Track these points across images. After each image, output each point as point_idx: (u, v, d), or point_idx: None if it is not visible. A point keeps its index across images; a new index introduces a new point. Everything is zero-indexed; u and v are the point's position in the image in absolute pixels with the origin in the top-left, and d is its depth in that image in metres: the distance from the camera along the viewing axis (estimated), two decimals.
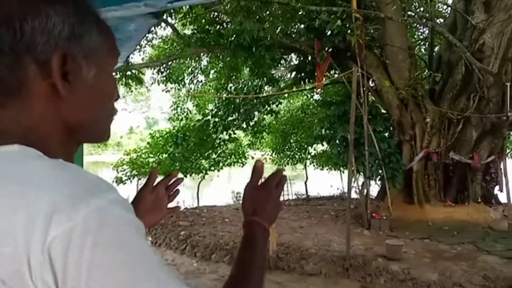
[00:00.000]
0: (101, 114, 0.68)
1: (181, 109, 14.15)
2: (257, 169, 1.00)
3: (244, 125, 11.90)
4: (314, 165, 17.89)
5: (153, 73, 13.78)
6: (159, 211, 1.09)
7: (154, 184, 1.10)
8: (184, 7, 9.82)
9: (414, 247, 7.55)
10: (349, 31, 8.67)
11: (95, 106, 0.66)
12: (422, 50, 14.25)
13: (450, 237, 8.14)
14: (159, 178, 1.19)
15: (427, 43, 12.92)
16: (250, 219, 0.92)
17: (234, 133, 12.72)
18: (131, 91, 15.37)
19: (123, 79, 10.17)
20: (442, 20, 12.53)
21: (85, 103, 0.64)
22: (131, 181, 13.46)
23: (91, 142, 0.75)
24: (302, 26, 10.76)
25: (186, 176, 13.61)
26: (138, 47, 11.98)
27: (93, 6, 0.66)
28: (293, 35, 11.36)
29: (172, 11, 9.71)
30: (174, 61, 12.47)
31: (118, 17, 1.77)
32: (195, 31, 10.86)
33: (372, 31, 9.14)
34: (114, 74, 0.74)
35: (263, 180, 1.01)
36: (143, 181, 14.10)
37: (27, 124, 0.59)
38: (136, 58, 12.99)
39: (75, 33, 0.60)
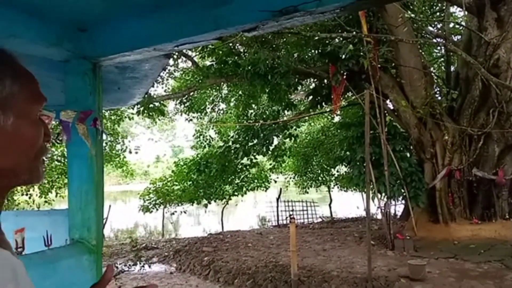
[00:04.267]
0: (24, 159, 0.70)
1: (203, 137, 14.57)
2: (106, 274, 0.89)
3: (264, 150, 12.13)
4: (338, 187, 17.87)
5: (176, 104, 14.33)
6: None
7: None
8: None
9: (438, 266, 7.45)
10: (362, 54, 8.89)
11: (15, 151, 0.68)
12: (442, 67, 14.27)
13: (477, 256, 7.98)
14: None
15: (444, 61, 12.96)
16: None
17: (256, 158, 12.95)
18: (155, 122, 15.92)
19: (145, 112, 10.65)
20: (459, 37, 12.59)
21: (6, 150, 0.66)
22: (156, 209, 13.82)
23: (21, 185, 0.76)
24: (316, 52, 11.06)
25: (210, 203, 13.88)
26: (160, 80, 12.54)
27: (6, 59, 0.69)
28: (308, 61, 11.66)
29: None
30: (195, 91, 12.96)
31: (134, 59, 2.03)
32: (213, 63, 11.32)
33: (385, 53, 9.34)
34: (45, 117, 0.76)
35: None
36: (168, 209, 14.49)
37: None
38: (159, 90, 13.58)
39: None
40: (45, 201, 11.01)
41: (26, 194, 10.79)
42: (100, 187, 1.90)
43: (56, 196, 11.42)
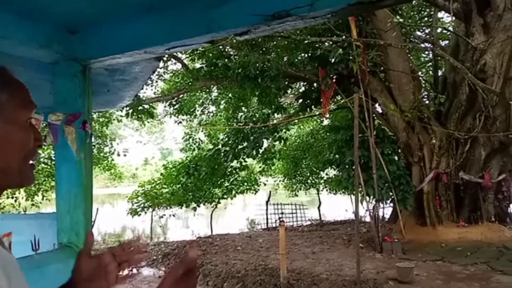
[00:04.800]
0: (11, 161, 0.75)
1: (193, 140, 14.52)
2: (88, 240, 0.96)
3: (254, 153, 12.14)
4: (327, 190, 17.95)
5: (165, 106, 14.26)
6: (103, 279, 0.94)
7: (102, 252, 0.98)
8: None
9: (426, 269, 7.52)
10: (351, 58, 8.96)
11: (5, 154, 0.73)
12: (430, 72, 14.45)
13: (463, 258, 8.07)
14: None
15: (432, 66, 13.13)
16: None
17: (245, 161, 12.94)
18: (144, 124, 15.82)
19: (134, 114, 10.58)
20: (447, 42, 12.77)
21: None
22: (145, 213, 13.70)
23: (11, 188, 0.82)
24: (306, 55, 11.12)
25: (199, 206, 13.81)
26: (149, 82, 12.47)
27: None
28: (298, 65, 11.71)
29: None
30: (185, 94, 12.92)
31: (124, 62, 2.01)
32: (203, 65, 11.30)
33: (374, 57, 9.43)
34: (36, 122, 0.86)
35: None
36: (157, 212, 14.38)
37: None
38: (149, 92, 13.50)
39: None
40: (32, 204, 10.84)
41: (12, 197, 10.62)
42: (88, 191, 1.88)
43: (42, 199, 11.26)
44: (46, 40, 1.62)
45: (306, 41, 9.90)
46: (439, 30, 12.25)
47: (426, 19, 12.98)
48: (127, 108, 10.25)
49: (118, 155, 14.59)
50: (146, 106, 11.16)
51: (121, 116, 12.52)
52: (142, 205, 13.39)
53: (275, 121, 12.48)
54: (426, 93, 11.90)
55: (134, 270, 8.24)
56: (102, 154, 14.30)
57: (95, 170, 15.72)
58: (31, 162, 0.79)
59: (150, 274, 8.83)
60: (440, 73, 12.25)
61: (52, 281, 0.95)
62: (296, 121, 15.05)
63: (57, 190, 1.91)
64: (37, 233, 1.89)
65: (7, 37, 1.45)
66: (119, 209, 20.42)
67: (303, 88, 13.53)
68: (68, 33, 1.71)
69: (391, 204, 11.31)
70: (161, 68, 12.72)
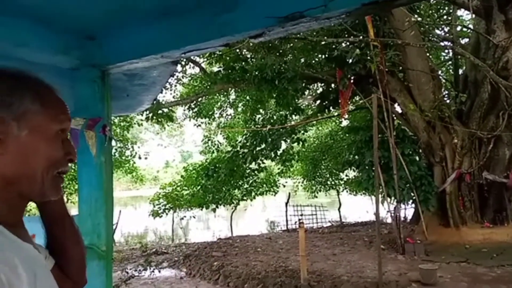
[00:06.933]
0: (36, 169, 0.77)
1: (212, 142, 14.63)
2: None
3: (272, 155, 12.13)
4: (347, 191, 17.80)
5: (184, 110, 14.42)
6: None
7: None
8: None
9: (450, 271, 7.37)
10: (369, 58, 8.88)
11: (29, 162, 0.76)
12: (450, 71, 14.18)
13: (489, 260, 7.88)
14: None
15: (452, 64, 12.88)
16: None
17: (264, 163, 12.95)
18: (164, 128, 16.02)
19: (154, 118, 10.73)
20: (467, 40, 12.51)
21: (19, 159, 0.75)
22: (166, 214, 13.87)
23: (36, 198, 0.84)
24: (323, 56, 11.06)
25: (218, 207, 13.91)
26: (168, 86, 12.63)
27: (31, 81, 0.80)
28: (315, 66, 11.67)
29: None
30: (203, 97, 13.03)
31: (142, 66, 2.05)
32: (221, 69, 11.38)
33: (392, 57, 9.32)
34: (71, 134, 0.88)
35: None
36: (178, 213, 14.53)
37: None
38: (168, 96, 13.67)
39: (5, 101, 0.75)
40: None
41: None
42: (109, 194, 1.91)
43: (67, 202, 11.49)
44: (65, 47, 1.67)
45: (323, 42, 9.86)
46: (458, 28, 12.01)
47: (445, 17, 12.75)
48: (147, 112, 10.41)
49: (140, 158, 14.83)
50: (166, 110, 11.30)
51: (142, 120, 12.71)
52: (163, 207, 13.58)
53: (293, 123, 12.45)
54: (446, 92, 11.69)
55: (156, 272, 8.35)
56: (124, 158, 14.56)
57: (117, 173, 16.03)
58: (58, 173, 0.81)
59: (171, 275, 8.92)
60: (460, 71, 12.01)
61: None
62: (314, 122, 14.99)
63: (79, 193, 1.96)
64: None
65: (28, 45, 1.50)
66: (141, 211, 20.70)
67: (320, 89, 13.47)
68: (86, 39, 1.76)
69: (413, 205, 11.14)
70: (179, 72, 12.87)
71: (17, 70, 0.81)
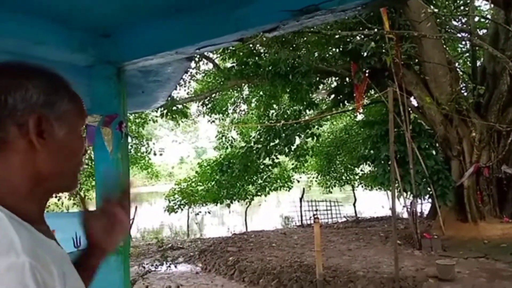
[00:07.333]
0: (69, 166, 0.81)
1: (226, 138, 14.66)
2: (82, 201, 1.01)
3: (286, 150, 12.10)
4: (362, 186, 17.65)
5: (198, 106, 14.48)
6: (119, 229, 0.99)
7: (103, 205, 1.00)
8: None
9: (468, 266, 7.26)
10: (384, 51, 8.75)
11: (64, 159, 0.79)
12: (468, 63, 13.89)
13: (508, 255, 7.71)
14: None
15: (469, 56, 12.62)
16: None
17: (278, 158, 12.93)
18: (179, 124, 16.12)
19: (169, 114, 10.79)
20: (485, 31, 12.23)
21: (56, 157, 0.77)
22: (182, 210, 13.98)
23: (60, 192, 0.87)
24: (337, 50, 10.95)
25: (232, 202, 13.96)
26: (182, 83, 12.69)
27: (66, 81, 0.82)
28: (329, 60, 11.56)
29: None
30: (217, 93, 13.05)
31: (157, 63, 2.06)
32: (234, 64, 11.37)
33: (408, 50, 9.17)
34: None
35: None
36: (193, 209, 14.64)
37: (2, 174, 0.73)
38: (182, 93, 13.74)
39: (49, 101, 0.76)
40: (74, 203, 11.29)
41: (56, 197, 11.09)
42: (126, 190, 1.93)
43: (84, 198, 11.69)
44: (80, 44, 1.68)
45: (337, 36, 9.75)
46: (476, 18, 11.73)
47: (462, 7, 12.48)
48: (162, 109, 10.47)
49: (155, 154, 14.96)
50: (180, 106, 11.36)
51: (156, 116, 12.80)
52: (178, 203, 13.69)
53: (307, 118, 12.38)
54: (464, 84, 11.46)
55: (172, 267, 8.44)
56: (139, 154, 14.70)
57: (133, 170, 16.18)
58: (79, 169, 0.85)
59: (187, 270, 9.01)
60: (478, 63, 11.75)
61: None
62: (328, 117, 14.88)
63: (96, 189, 1.98)
64: (79, 230, 1.97)
65: (44, 43, 1.51)
66: (157, 207, 20.91)
67: (335, 83, 13.35)
68: (101, 37, 1.77)
69: (430, 200, 10.99)
70: (193, 68, 12.90)
71: (50, 68, 0.82)
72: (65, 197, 11.45)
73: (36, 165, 0.75)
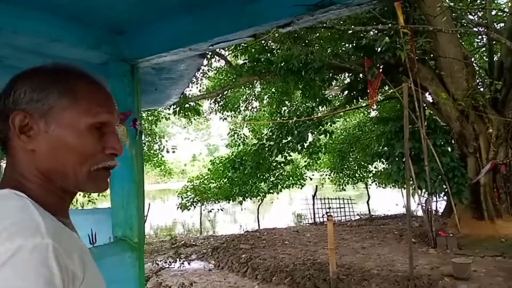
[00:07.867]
0: (69, 166, 0.77)
1: (238, 135, 14.67)
2: None
3: (299, 147, 12.05)
4: (376, 184, 17.51)
5: (210, 103, 14.50)
6: None
7: None
8: None
9: (485, 265, 7.15)
10: (398, 46, 8.64)
11: (60, 156, 0.77)
12: (484, 57, 13.63)
13: None
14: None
15: (486, 50, 12.38)
16: None
17: (290, 155, 12.88)
18: (191, 122, 16.18)
19: (181, 112, 10.83)
20: (502, 25, 11.97)
21: (50, 154, 0.77)
22: (194, 207, 14.05)
23: (76, 189, 0.82)
24: (351, 45, 10.85)
25: (245, 200, 13.97)
26: (195, 80, 12.71)
27: (62, 78, 0.80)
28: (342, 55, 11.46)
29: None
30: (229, 90, 13.05)
31: (170, 60, 2.06)
32: (246, 61, 11.35)
33: (423, 44, 9.04)
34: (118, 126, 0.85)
35: None
36: (206, 206, 14.71)
37: (19, 170, 0.77)
38: (194, 90, 13.78)
39: (33, 98, 0.76)
40: (89, 200, 11.43)
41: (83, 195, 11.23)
42: (140, 187, 1.94)
43: (98, 195, 11.83)
44: (95, 42, 1.68)
45: (350, 31, 9.66)
46: (493, 12, 11.49)
47: (478, 1, 12.24)
48: (174, 106, 10.51)
49: (167, 152, 15.06)
50: (192, 104, 11.39)
51: (169, 114, 12.87)
52: (191, 200, 13.75)
53: (319, 114, 12.31)
54: (480, 79, 11.26)
55: (185, 264, 8.49)
56: (152, 152, 14.82)
57: (146, 167, 16.33)
58: (97, 168, 0.80)
59: (200, 267, 9.05)
60: (495, 58, 11.52)
61: (109, 273, 0.99)
62: (342, 113, 14.78)
63: (111, 186, 1.98)
64: (94, 227, 1.98)
65: (59, 40, 1.52)
66: (170, 204, 21.05)
67: (348, 80, 13.24)
68: (115, 34, 1.77)
69: (445, 198, 10.84)
70: (205, 66, 12.92)
71: (52, 64, 0.82)
72: (80, 194, 11.61)
73: (35, 163, 0.77)
